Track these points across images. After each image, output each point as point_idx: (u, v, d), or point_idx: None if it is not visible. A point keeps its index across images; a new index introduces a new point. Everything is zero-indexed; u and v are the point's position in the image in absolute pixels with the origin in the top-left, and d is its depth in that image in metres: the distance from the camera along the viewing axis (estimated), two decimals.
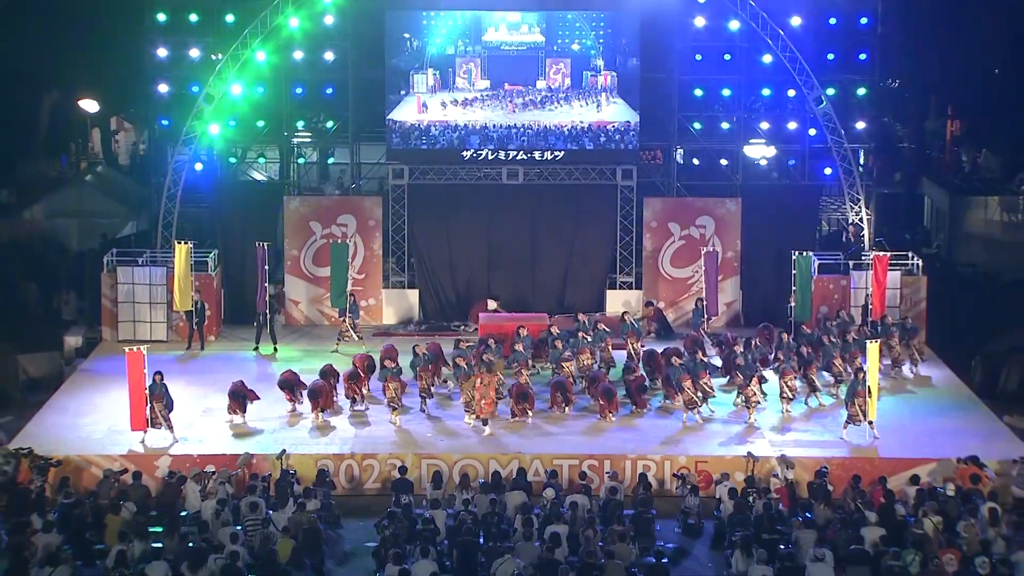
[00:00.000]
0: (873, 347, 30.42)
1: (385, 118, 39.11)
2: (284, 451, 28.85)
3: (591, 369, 33.26)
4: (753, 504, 26.48)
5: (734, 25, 38.77)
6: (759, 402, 31.58)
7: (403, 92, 38.84)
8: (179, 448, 29.56)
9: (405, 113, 38.80)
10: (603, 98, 38.75)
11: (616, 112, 38.82)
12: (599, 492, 27.48)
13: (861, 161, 41.18)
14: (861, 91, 41.11)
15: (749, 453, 28.94)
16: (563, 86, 38.85)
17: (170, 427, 30.01)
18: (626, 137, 38.93)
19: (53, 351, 37.41)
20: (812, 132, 39.75)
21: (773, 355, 33.45)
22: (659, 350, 34.05)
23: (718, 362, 34.54)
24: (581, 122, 38.90)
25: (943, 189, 48.05)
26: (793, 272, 37.03)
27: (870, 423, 30.18)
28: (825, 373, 33.41)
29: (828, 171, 40.09)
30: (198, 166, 39.02)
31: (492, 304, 38.36)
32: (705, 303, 37.49)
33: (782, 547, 24.69)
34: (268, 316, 37.06)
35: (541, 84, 38.91)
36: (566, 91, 38.88)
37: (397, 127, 38.92)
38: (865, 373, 30.30)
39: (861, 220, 39.06)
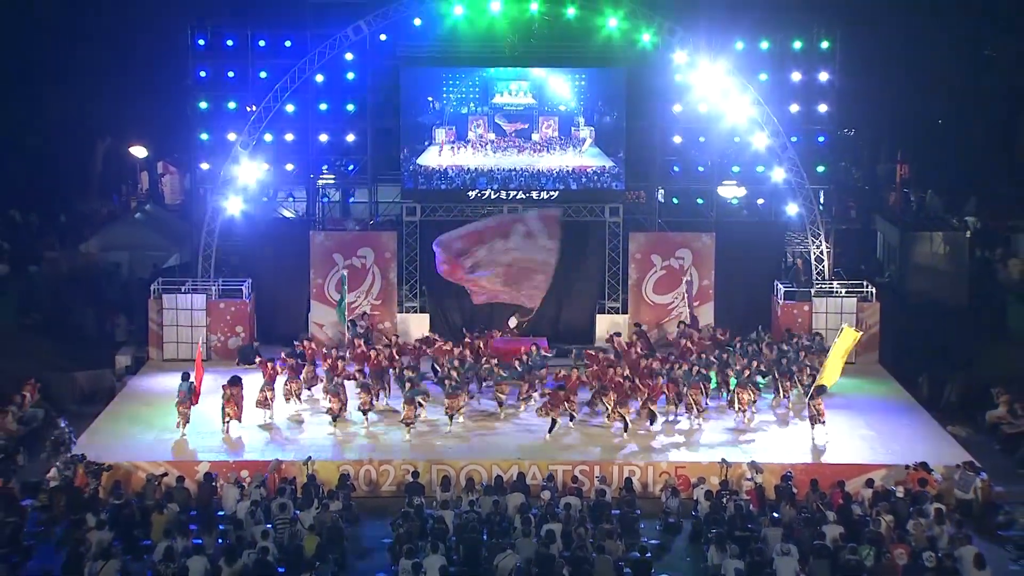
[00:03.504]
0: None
1: (411, 163, 39.39)
2: (310, 458, 28.83)
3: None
4: (726, 505, 26.46)
5: (709, 80, 38.77)
6: (745, 408, 31.89)
7: (426, 143, 39.42)
8: (216, 455, 29.54)
9: (428, 159, 39.44)
10: (584, 147, 39.31)
11: (594, 158, 39.40)
12: (590, 494, 27.41)
13: (821, 200, 41.14)
14: (821, 139, 41.13)
15: (723, 459, 28.90)
16: (553, 138, 39.16)
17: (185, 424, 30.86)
18: (602, 178, 39.38)
19: (106, 368, 37.39)
20: (778, 175, 39.71)
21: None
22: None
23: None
24: (566, 166, 39.22)
25: (893, 225, 48.03)
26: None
27: (822, 422, 30.60)
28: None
29: (792, 209, 40.07)
30: (234, 205, 38.95)
31: (514, 321, 38.15)
32: (687, 325, 37.57)
33: (752, 543, 24.61)
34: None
35: (536, 136, 39.34)
36: (555, 142, 39.23)
37: (422, 170, 39.47)
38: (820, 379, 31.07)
39: (821, 253, 39.04)
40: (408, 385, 31.47)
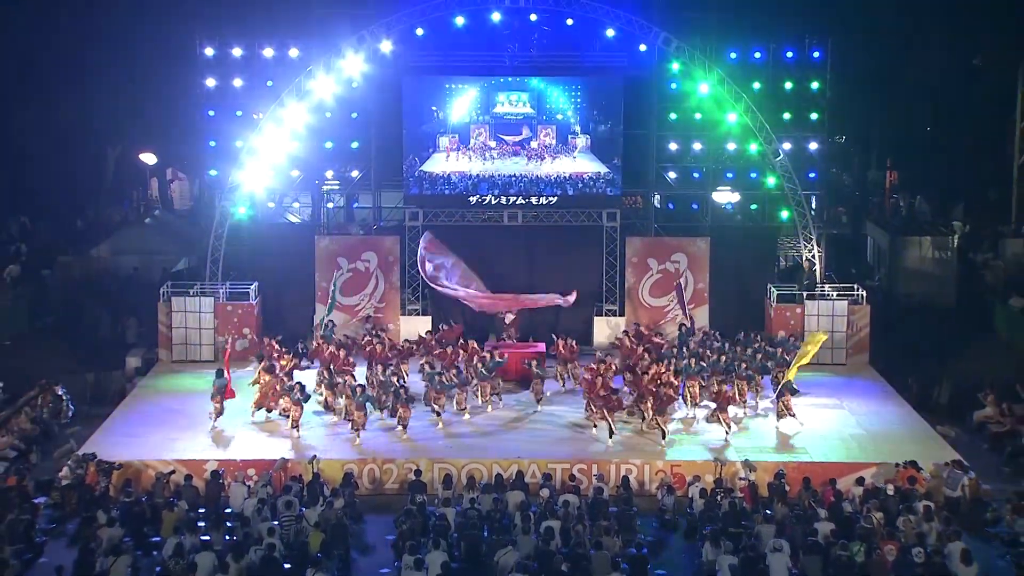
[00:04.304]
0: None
1: (415, 169, 39.65)
2: (315, 457, 28.84)
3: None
4: (721, 502, 26.46)
5: (704, 89, 38.86)
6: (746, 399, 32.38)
7: (431, 150, 39.68)
8: (224, 453, 29.55)
9: (432, 166, 39.71)
10: (576, 152, 39.59)
11: (589, 165, 39.62)
12: (588, 492, 27.41)
13: (813, 206, 41.16)
14: (813, 146, 41.17)
15: (717, 458, 28.96)
16: (551, 146, 39.31)
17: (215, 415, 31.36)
18: (597, 184, 39.56)
19: (117, 370, 37.38)
20: (771, 181, 39.79)
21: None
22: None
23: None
24: (563, 172, 39.43)
25: (883, 230, 48.07)
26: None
27: (792, 415, 31.19)
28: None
29: (785, 214, 40.13)
30: (241, 210, 39.01)
31: (509, 316, 38.09)
32: (688, 326, 37.59)
33: (746, 539, 24.65)
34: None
35: (534, 144, 39.57)
36: (553, 149, 39.43)
37: (427, 176, 39.72)
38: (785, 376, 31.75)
39: (813, 256, 39.10)
40: (359, 390, 31.23)
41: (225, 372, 31.86)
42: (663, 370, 32.25)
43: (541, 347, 36.71)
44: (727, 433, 30.59)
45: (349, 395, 31.34)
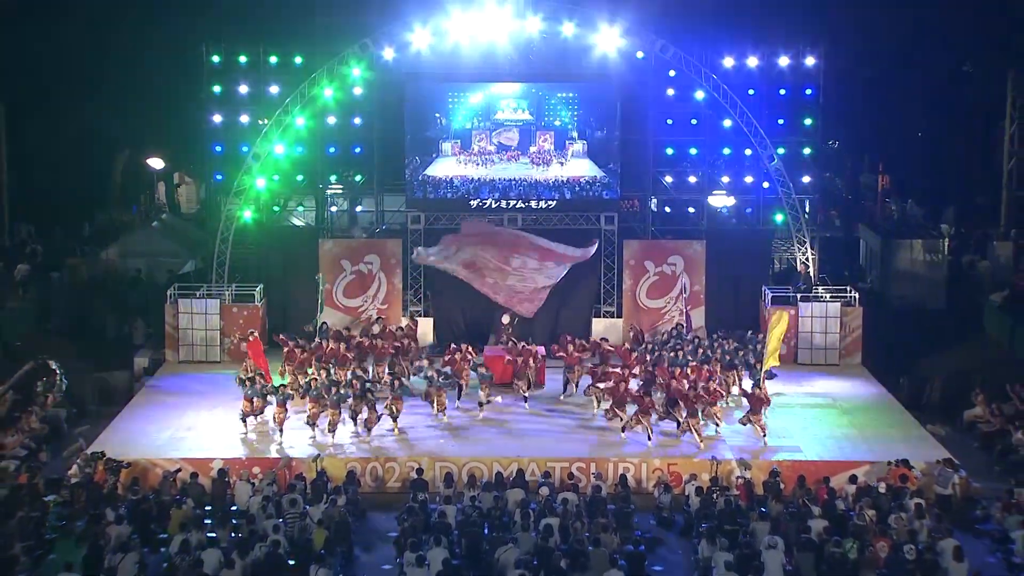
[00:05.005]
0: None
1: (419, 174, 39.59)
2: (319, 455, 28.84)
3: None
4: (716, 500, 26.45)
5: (700, 95, 38.91)
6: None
7: (434, 155, 39.66)
8: (230, 451, 29.52)
9: (436, 170, 39.72)
10: (568, 156, 39.59)
11: (586, 169, 39.60)
12: (586, 490, 27.39)
13: (806, 209, 41.18)
14: (806, 151, 41.20)
15: (713, 456, 28.93)
16: (549, 151, 39.36)
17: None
18: (594, 188, 39.57)
19: (125, 370, 37.34)
20: (765, 185, 39.84)
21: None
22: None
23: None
24: (561, 177, 39.46)
25: (875, 233, 48.09)
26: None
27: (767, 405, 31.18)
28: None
29: (779, 218, 40.15)
30: (247, 214, 39.03)
31: (506, 318, 37.99)
32: (684, 327, 37.58)
33: (741, 536, 24.63)
34: None
35: (533, 149, 39.56)
36: (551, 154, 39.48)
37: (430, 180, 39.72)
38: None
39: (807, 259, 39.10)
40: (333, 389, 31.07)
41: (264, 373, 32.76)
42: (695, 373, 32.36)
43: (540, 350, 36.63)
44: (762, 437, 30.24)
45: (323, 395, 30.89)
